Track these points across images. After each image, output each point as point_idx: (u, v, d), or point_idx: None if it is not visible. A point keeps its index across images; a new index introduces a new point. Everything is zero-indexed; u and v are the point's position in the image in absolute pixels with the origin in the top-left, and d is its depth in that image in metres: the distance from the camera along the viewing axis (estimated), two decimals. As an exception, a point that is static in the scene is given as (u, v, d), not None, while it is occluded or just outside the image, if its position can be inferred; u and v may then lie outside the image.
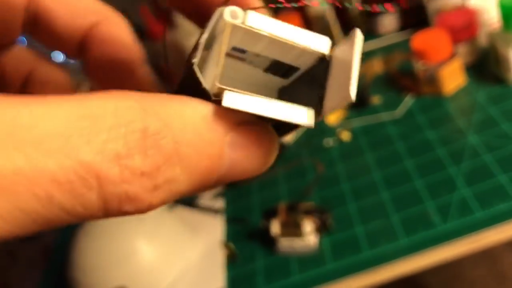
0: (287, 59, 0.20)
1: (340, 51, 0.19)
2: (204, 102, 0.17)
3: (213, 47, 0.18)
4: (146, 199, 0.15)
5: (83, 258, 0.71)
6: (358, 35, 0.18)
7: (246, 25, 0.17)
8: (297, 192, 0.77)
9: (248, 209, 0.79)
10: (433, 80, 0.80)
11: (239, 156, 0.17)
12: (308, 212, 0.66)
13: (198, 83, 0.17)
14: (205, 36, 0.17)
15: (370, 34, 1.07)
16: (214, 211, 0.82)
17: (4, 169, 0.13)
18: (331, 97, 0.18)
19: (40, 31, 0.23)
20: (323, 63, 0.19)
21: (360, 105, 0.87)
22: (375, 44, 1.03)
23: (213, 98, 0.17)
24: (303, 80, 0.21)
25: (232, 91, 0.16)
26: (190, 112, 0.16)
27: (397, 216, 0.65)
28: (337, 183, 0.75)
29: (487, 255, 1.38)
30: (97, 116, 0.14)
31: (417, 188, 0.67)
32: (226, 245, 0.73)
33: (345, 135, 0.83)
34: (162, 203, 0.16)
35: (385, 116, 0.83)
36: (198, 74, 0.17)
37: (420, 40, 0.80)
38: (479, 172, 0.65)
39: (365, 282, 0.61)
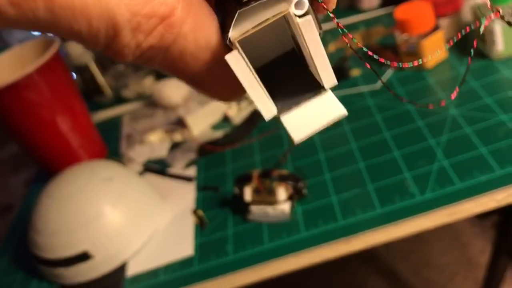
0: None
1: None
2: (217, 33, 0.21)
3: (261, 10, 0.20)
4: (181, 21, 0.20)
5: (45, 221, 0.68)
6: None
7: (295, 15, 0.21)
8: (272, 161, 0.75)
9: (221, 177, 0.77)
10: (414, 52, 0.78)
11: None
12: (282, 179, 0.64)
13: (229, 24, 0.20)
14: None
15: (353, 8, 1.05)
16: (185, 178, 0.79)
17: None
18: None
19: None
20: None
21: (339, 77, 0.85)
22: (357, 18, 1.01)
23: (227, 42, 0.20)
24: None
25: (240, 54, 0.20)
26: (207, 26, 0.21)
27: (373, 185, 0.63)
28: (313, 153, 0.73)
29: (456, 242, 1.39)
30: None
31: (395, 158, 0.66)
32: (196, 212, 0.71)
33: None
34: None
35: (364, 88, 0.81)
36: (234, 21, 0.20)
37: (403, 11, 0.78)
38: (459, 143, 0.64)
39: (338, 251, 0.59)
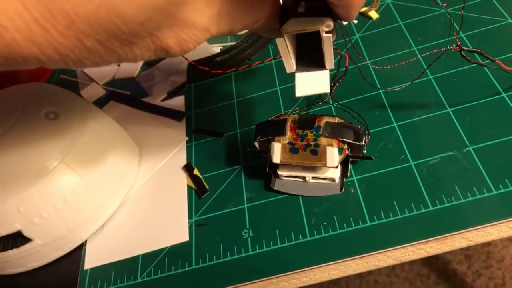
0: None
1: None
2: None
3: (305, 21, 0.31)
4: None
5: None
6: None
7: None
8: (304, 98, 0.50)
9: (224, 116, 0.52)
10: None
11: None
12: (334, 132, 0.40)
13: (286, 16, 0.31)
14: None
15: None
16: (170, 113, 0.54)
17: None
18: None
19: None
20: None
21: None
22: None
23: (281, 30, 0.32)
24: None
25: (284, 40, 0.33)
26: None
27: (476, 147, 0.40)
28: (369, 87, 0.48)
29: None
30: None
31: (506, 103, 0.42)
32: (190, 170, 0.47)
33: (373, 12, 0.56)
34: None
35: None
36: (287, 23, 0.31)
37: None
38: None
39: (429, 251, 0.37)
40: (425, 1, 0.54)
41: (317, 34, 0.32)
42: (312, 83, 0.35)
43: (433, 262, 1.27)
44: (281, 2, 0.33)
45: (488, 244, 1.27)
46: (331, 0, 0.29)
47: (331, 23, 0.30)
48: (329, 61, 0.34)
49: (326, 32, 0.31)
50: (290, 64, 0.35)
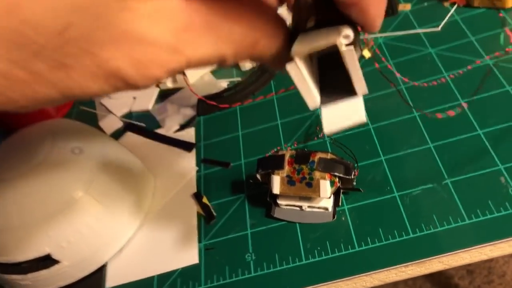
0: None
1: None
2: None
3: (318, 35, 0.25)
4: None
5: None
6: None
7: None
8: (300, 128, 0.55)
9: (230, 146, 0.57)
10: (494, -14, 0.58)
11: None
12: (327, 167, 0.45)
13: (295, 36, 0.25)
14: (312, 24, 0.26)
15: None
16: (182, 145, 0.59)
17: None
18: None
19: None
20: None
21: (386, 13, 0.64)
22: None
23: (292, 53, 0.25)
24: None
25: (296, 65, 0.25)
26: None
27: (452, 180, 0.45)
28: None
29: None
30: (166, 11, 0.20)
31: (479, 138, 0.47)
32: (199, 198, 0.52)
33: (366, 51, 0.61)
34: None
35: (420, 30, 0.61)
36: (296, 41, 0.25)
37: None
38: None
39: (407, 274, 0.42)
40: (414, 41, 0.60)
41: (338, 52, 0.25)
42: (342, 114, 0.27)
43: (435, 277, 1.31)
44: (289, 25, 0.27)
45: (490, 259, 1.31)
46: (340, 0, 0.23)
47: (349, 33, 0.24)
48: (360, 84, 0.27)
49: (346, 46, 0.24)
50: (311, 96, 0.27)
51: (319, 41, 0.24)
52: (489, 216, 0.42)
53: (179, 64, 0.21)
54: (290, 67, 0.25)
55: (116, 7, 0.19)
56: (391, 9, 0.64)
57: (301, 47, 0.25)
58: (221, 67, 0.27)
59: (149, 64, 0.20)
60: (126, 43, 0.20)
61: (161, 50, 0.20)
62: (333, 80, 0.28)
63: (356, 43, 0.25)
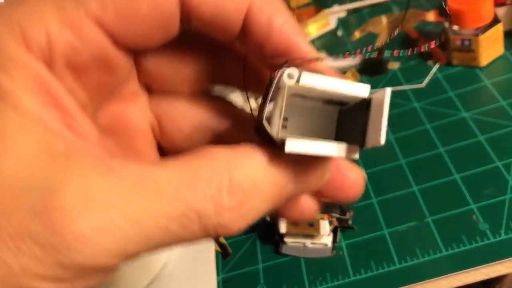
0: (339, 99, 0.23)
1: (378, 96, 0.22)
2: (264, 153, 0.22)
3: (277, 100, 0.21)
4: (235, 226, 0.21)
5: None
6: (388, 92, 0.21)
7: (300, 84, 0.21)
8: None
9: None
10: (468, 48, 0.67)
11: (299, 182, 0.23)
12: (325, 210, 0.53)
13: (267, 133, 0.21)
14: (270, 94, 0.22)
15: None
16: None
17: (144, 213, 0.19)
18: (369, 135, 0.22)
19: (197, 19, 0.24)
20: (366, 103, 0.22)
21: (376, 71, 0.74)
22: (388, -3, 0.89)
23: (279, 143, 0.21)
24: (356, 108, 0.23)
25: (291, 138, 0.21)
26: (257, 161, 0.21)
27: (433, 218, 0.53)
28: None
29: None
30: (198, 173, 0.20)
31: (456, 182, 0.55)
32: (217, 239, 0.60)
33: (359, 108, 0.70)
34: (248, 225, 0.21)
35: (406, 87, 0.70)
36: (267, 128, 0.21)
37: (458, -1, 0.66)
38: (534, 168, 0.54)
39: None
40: (401, 95, 0.69)
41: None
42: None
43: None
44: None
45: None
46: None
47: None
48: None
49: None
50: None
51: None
52: (462, 248, 0.49)
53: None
54: (289, 147, 0.21)
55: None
56: (381, 68, 0.74)
57: (276, 121, 0.21)
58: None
59: None
60: None
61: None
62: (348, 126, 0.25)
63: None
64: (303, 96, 0.23)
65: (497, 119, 0.60)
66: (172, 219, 0.19)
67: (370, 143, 0.22)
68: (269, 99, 0.22)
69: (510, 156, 0.55)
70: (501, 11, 0.69)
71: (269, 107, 0.22)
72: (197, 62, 0.27)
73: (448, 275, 0.48)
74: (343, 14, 0.90)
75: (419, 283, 0.49)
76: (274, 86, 0.21)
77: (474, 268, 0.48)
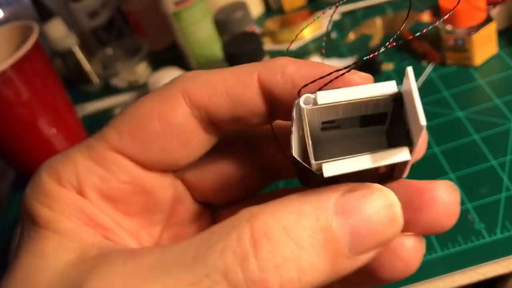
0: (370, 111, 0.21)
1: (405, 85, 0.20)
2: (298, 195, 0.20)
3: (303, 130, 0.20)
4: (273, 279, 0.18)
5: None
6: (410, 71, 0.20)
7: (319, 103, 0.20)
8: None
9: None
10: (462, 48, 0.66)
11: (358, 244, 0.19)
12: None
13: (306, 168, 0.19)
14: (294, 128, 0.20)
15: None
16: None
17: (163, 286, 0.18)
18: (412, 126, 0.19)
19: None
20: (399, 101, 0.20)
21: (370, 72, 0.73)
22: (381, -1, 0.89)
23: (318, 173, 0.19)
24: (396, 119, 0.22)
25: (328, 162, 0.19)
26: (286, 203, 0.19)
27: (428, 217, 0.52)
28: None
29: None
30: (218, 232, 0.19)
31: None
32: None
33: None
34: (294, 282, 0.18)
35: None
36: (301, 162, 0.19)
37: (450, -3, 0.66)
38: (529, 166, 0.53)
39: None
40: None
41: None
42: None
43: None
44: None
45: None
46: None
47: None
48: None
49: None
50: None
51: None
52: (458, 248, 0.49)
53: None
54: (326, 171, 0.19)
55: None
56: (375, 69, 0.73)
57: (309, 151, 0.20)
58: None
59: None
60: None
61: None
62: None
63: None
64: (331, 122, 0.21)
65: (491, 118, 0.59)
66: (195, 285, 0.18)
67: (414, 134, 0.19)
68: (293, 131, 0.20)
69: (505, 155, 0.55)
70: (494, 10, 0.69)
71: (296, 142, 0.20)
72: (239, 165, 0.28)
73: (444, 275, 0.48)
74: (337, 17, 0.90)
75: (414, 284, 0.48)
76: (294, 117, 0.20)
77: (470, 268, 0.47)
